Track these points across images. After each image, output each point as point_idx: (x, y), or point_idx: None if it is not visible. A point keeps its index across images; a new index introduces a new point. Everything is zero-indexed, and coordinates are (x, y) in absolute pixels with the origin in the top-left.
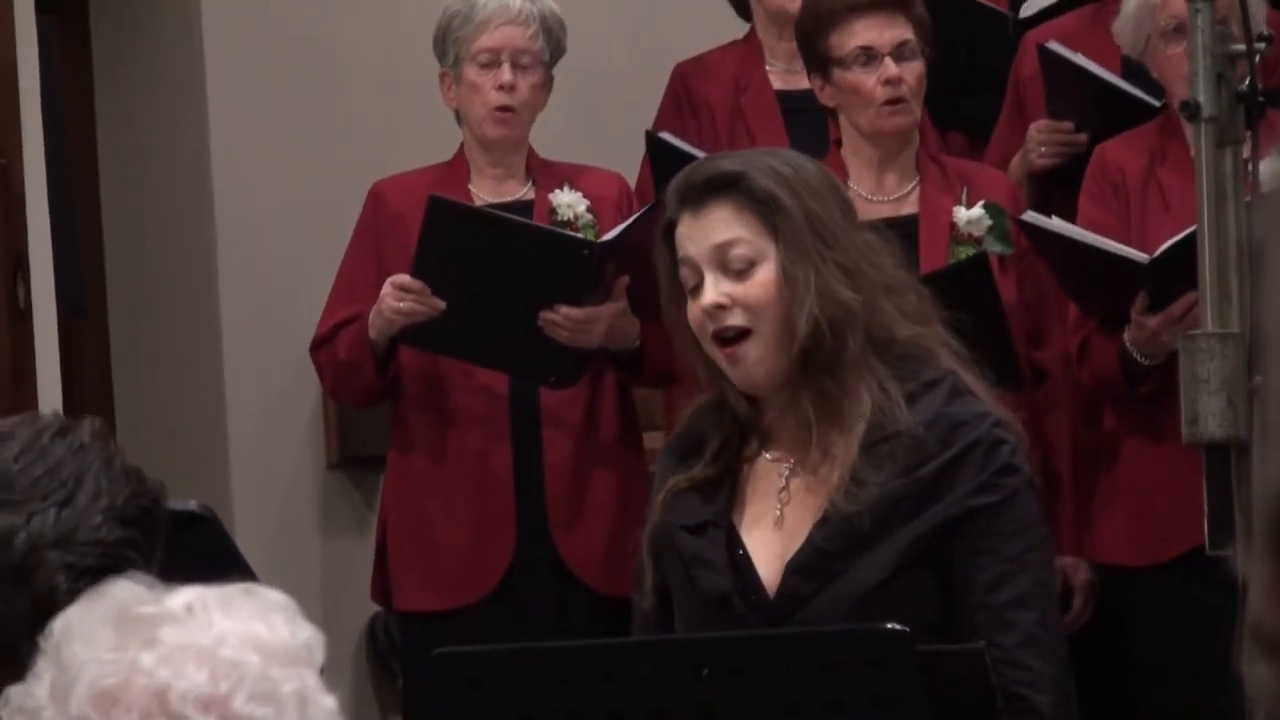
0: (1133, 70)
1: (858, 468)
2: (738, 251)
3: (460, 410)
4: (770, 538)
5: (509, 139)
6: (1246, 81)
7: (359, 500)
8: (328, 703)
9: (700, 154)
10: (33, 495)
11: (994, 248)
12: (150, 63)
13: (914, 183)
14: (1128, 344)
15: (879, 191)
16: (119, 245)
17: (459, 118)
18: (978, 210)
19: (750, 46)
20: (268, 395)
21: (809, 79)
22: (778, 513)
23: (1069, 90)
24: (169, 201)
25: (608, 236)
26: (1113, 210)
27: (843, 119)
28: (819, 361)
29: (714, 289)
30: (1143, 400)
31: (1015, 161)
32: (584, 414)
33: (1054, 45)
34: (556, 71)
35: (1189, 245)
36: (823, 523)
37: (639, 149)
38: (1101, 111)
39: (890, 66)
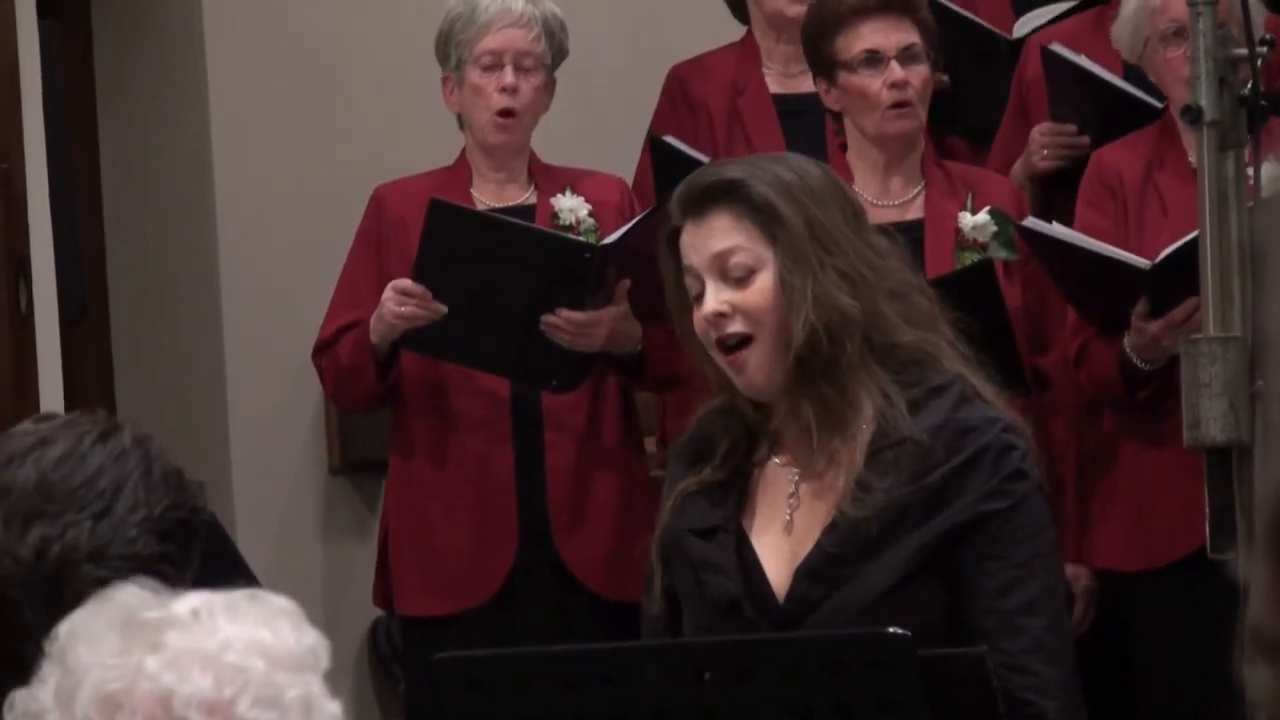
0: (1135, 73)
1: (863, 474)
2: (737, 259)
3: (462, 414)
4: (780, 542)
5: (511, 144)
6: (1248, 86)
7: (360, 505)
8: (332, 708)
9: (703, 157)
10: (70, 506)
11: (999, 253)
12: (152, 66)
13: (919, 188)
14: (1127, 349)
15: (884, 196)
16: (120, 249)
17: (461, 122)
18: (983, 216)
19: (747, 49)
20: (269, 400)
21: (814, 82)
22: (787, 517)
23: (1072, 93)
24: (170, 205)
25: (609, 239)
26: (1110, 216)
27: (848, 122)
28: (816, 368)
29: (714, 297)
30: (1141, 405)
31: (1018, 165)
32: (586, 418)
33: (1057, 47)
34: (558, 74)
35: (1190, 250)
36: (831, 528)
37: (640, 151)
38: (1104, 114)
39: (896, 70)
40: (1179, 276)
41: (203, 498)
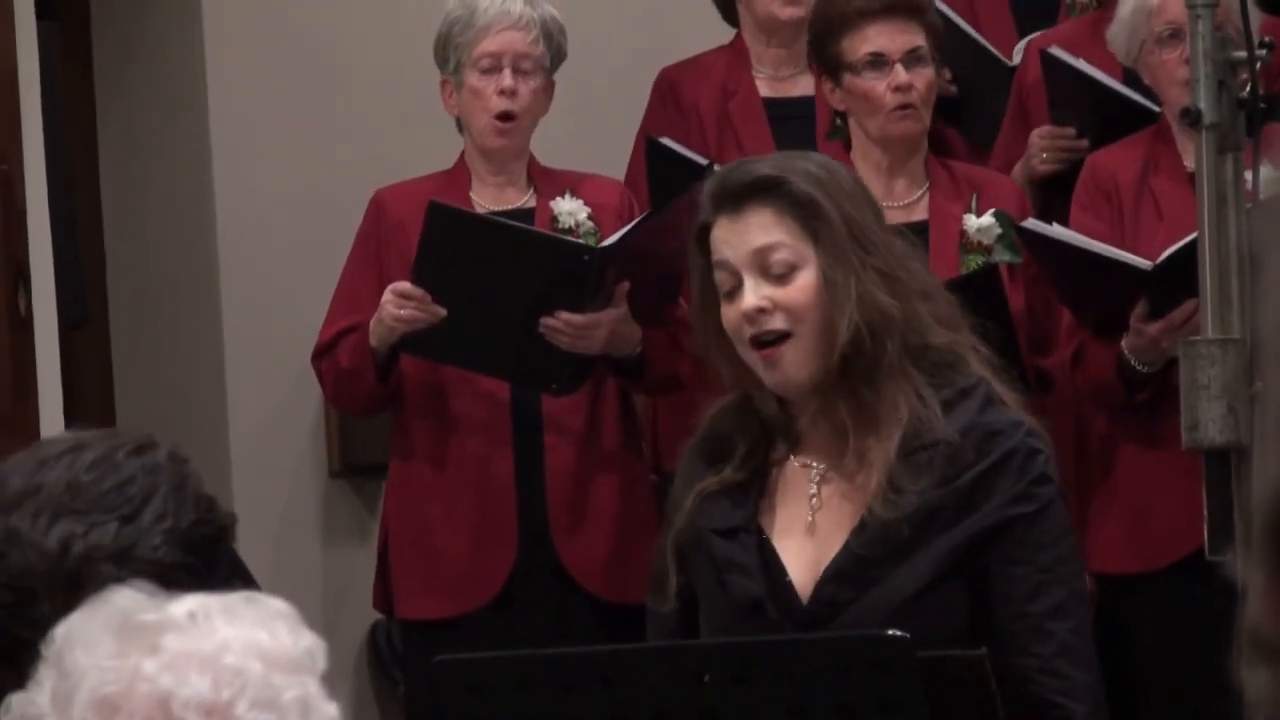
0: (1134, 76)
1: (896, 475)
2: (779, 256)
3: (462, 417)
4: (802, 544)
5: (510, 148)
6: (1247, 88)
7: (361, 508)
8: (330, 710)
9: (698, 158)
10: (97, 507)
11: (1003, 256)
12: (151, 70)
13: (923, 189)
14: (1126, 351)
15: (888, 197)
16: (120, 252)
17: (460, 125)
18: (987, 218)
19: (736, 52)
20: (269, 403)
21: (818, 82)
22: (809, 519)
23: (1071, 96)
24: (170, 209)
25: (608, 241)
26: (1105, 220)
27: (852, 123)
28: (858, 368)
29: (754, 292)
30: (1139, 407)
31: (1018, 168)
32: (585, 420)
33: (1056, 51)
34: (557, 77)
35: (1190, 252)
36: (860, 530)
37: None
38: (1103, 117)
39: (900, 73)
40: (1179, 278)
41: (233, 525)
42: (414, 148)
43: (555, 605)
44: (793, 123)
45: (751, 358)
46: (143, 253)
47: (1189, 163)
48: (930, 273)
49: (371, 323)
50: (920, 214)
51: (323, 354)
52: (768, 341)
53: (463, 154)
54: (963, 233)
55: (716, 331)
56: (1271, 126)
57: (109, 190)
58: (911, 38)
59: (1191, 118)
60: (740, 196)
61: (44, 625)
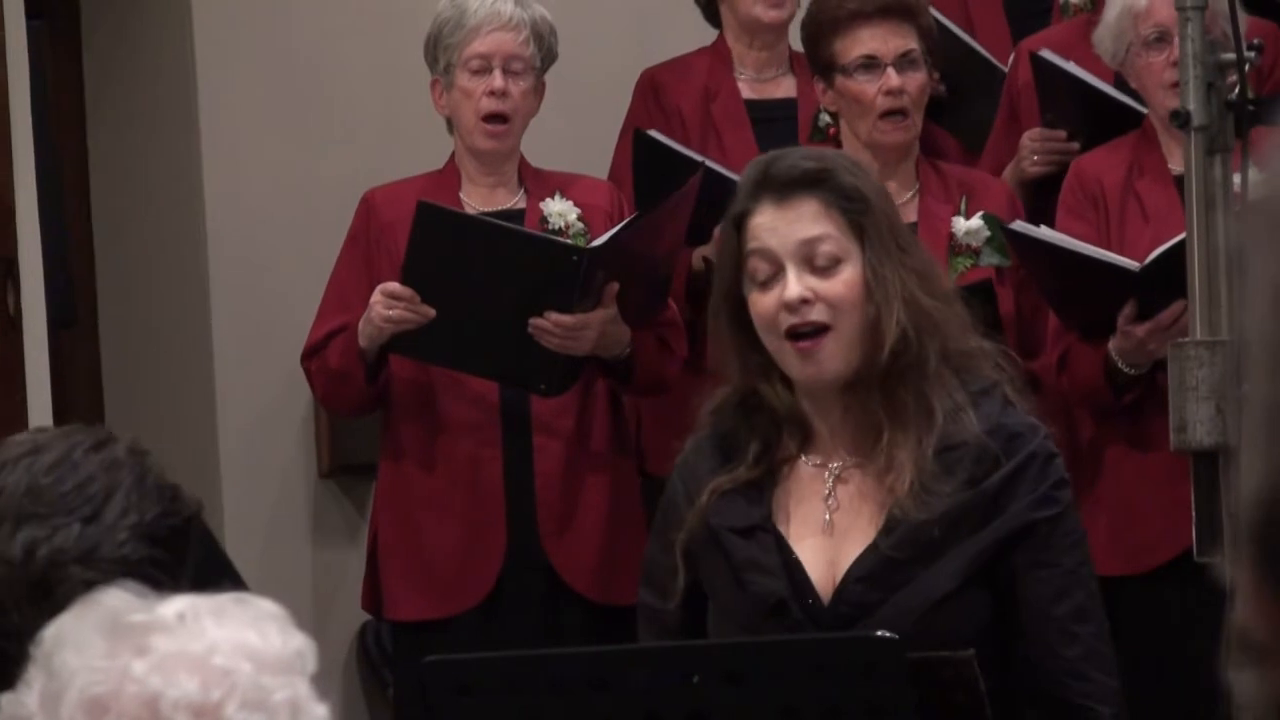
0: (1125, 79)
1: (928, 476)
2: (825, 248)
3: (451, 418)
4: (820, 544)
5: (501, 149)
6: (1236, 90)
7: (350, 509)
8: (319, 711)
9: (688, 151)
10: (59, 509)
11: (991, 259)
12: (141, 69)
13: (913, 190)
14: (1113, 353)
15: None
16: (110, 252)
17: (450, 125)
18: (976, 221)
19: (718, 53)
20: (259, 404)
21: (811, 81)
22: (826, 518)
23: (1062, 98)
24: (160, 209)
25: (597, 242)
26: (1090, 223)
27: (843, 124)
28: (900, 368)
29: (798, 283)
30: (1126, 409)
31: (1008, 170)
32: (575, 422)
33: (1047, 53)
34: (550, 78)
35: (1178, 253)
36: (889, 531)
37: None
38: (1093, 119)
39: (893, 77)
40: (1166, 279)
41: (200, 511)
42: (404, 152)
43: (544, 606)
44: (775, 124)
45: (784, 349)
46: (132, 252)
47: (1174, 165)
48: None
49: (360, 323)
50: (910, 216)
51: (312, 354)
52: (805, 334)
53: (453, 155)
54: (951, 235)
55: (733, 320)
56: (1260, 129)
57: (98, 189)
58: (904, 41)
59: (1181, 120)
60: (787, 186)
61: (16, 634)
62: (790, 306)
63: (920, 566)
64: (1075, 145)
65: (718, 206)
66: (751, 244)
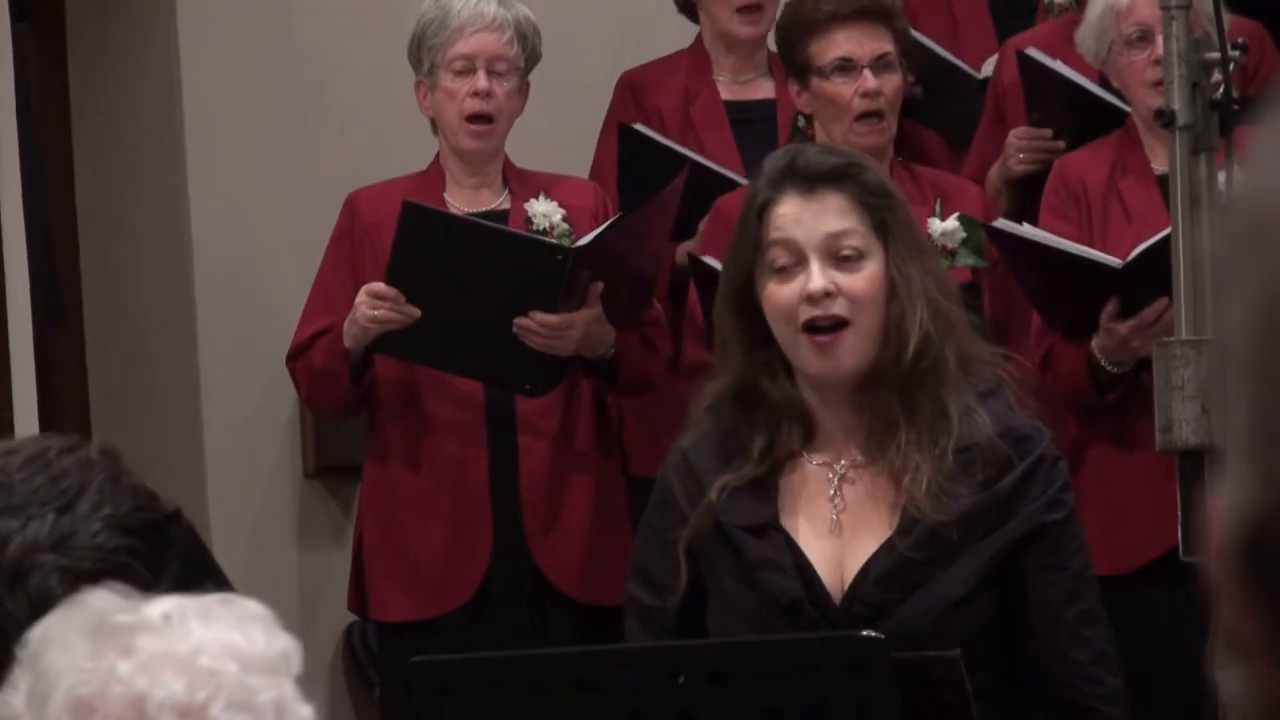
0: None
1: (946, 477)
2: (850, 242)
3: (436, 418)
4: (827, 544)
5: (485, 150)
6: (1220, 90)
7: (336, 509)
8: (305, 712)
9: (675, 145)
10: (32, 501)
11: (967, 260)
12: (126, 71)
13: None
14: (1096, 352)
15: None
16: (95, 253)
17: (435, 126)
18: (952, 222)
19: (697, 56)
20: (245, 404)
21: (786, 83)
22: (834, 518)
23: (1047, 97)
24: (145, 210)
25: (581, 242)
26: (1073, 222)
27: (818, 125)
28: (922, 368)
29: (822, 275)
30: (1109, 408)
31: (994, 168)
32: (560, 422)
33: (1033, 51)
34: (536, 78)
35: (1160, 250)
36: (905, 532)
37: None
38: (1080, 118)
39: (869, 79)
40: (1149, 277)
41: (179, 513)
42: (391, 150)
43: (530, 607)
44: (755, 125)
45: (799, 342)
46: (118, 254)
47: (1157, 165)
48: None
49: (345, 323)
50: None
51: (297, 355)
52: (824, 327)
53: (438, 155)
54: (927, 236)
55: (742, 311)
56: (1244, 128)
57: (84, 190)
58: (880, 44)
59: (1165, 119)
60: (814, 179)
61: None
62: (813, 298)
63: (937, 568)
64: (1061, 144)
65: (703, 201)
66: (774, 234)
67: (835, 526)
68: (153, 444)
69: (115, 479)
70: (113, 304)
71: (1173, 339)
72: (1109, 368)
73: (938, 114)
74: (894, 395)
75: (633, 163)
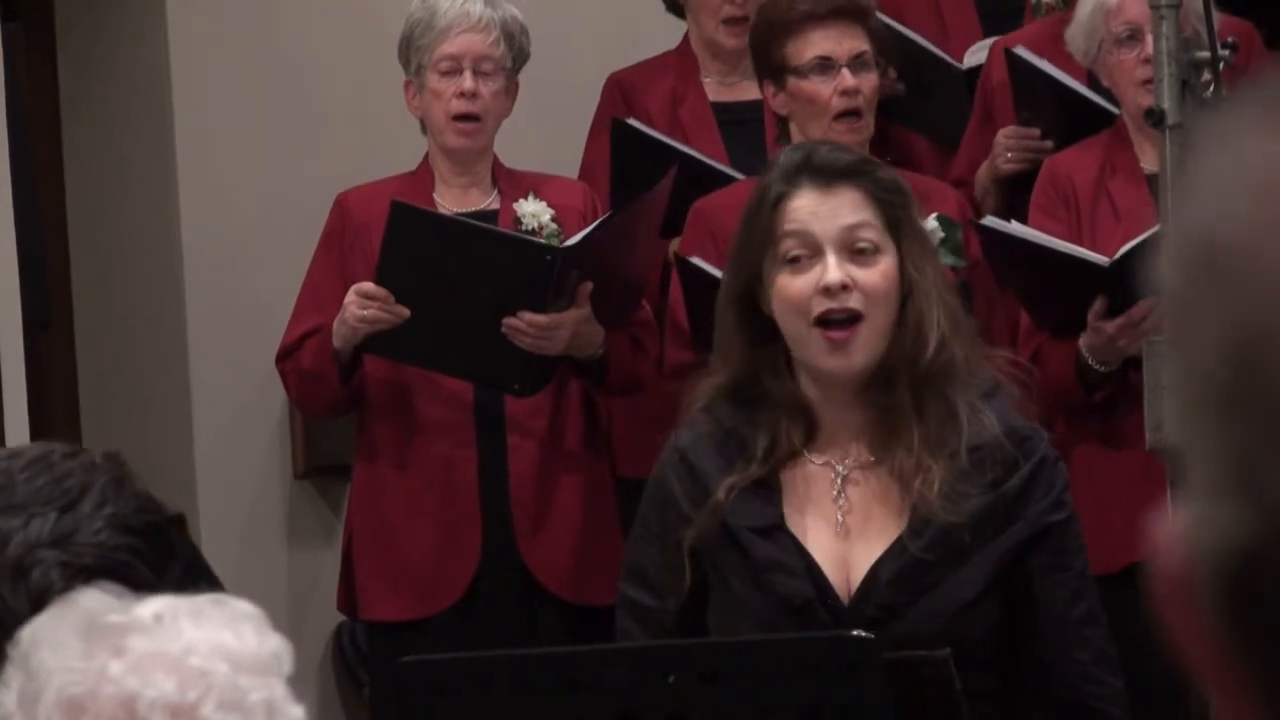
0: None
1: (957, 477)
2: (866, 235)
3: (425, 419)
4: (832, 545)
5: (472, 149)
6: (1211, 89)
7: (326, 509)
8: (295, 712)
9: (668, 140)
10: (34, 501)
11: (946, 259)
12: (116, 72)
13: None
14: (1083, 350)
15: None
16: (85, 255)
17: (424, 126)
18: (931, 222)
19: (684, 57)
20: (234, 405)
21: (760, 86)
22: (839, 520)
23: (1036, 96)
24: (135, 211)
25: (570, 241)
26: (1062, 222)
27: (794, 127)
28: (936, 368)
29: (838, 268)
30: (1096, 407)
31: (983, 168)
32: (549, 422)
33: (1021, 51)
34: (525, 79)
35: (1148, 248)
36: (916, 533)
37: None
38: (1068, 118)
39: (847, 77)
40: (1136, 275)
41: (182, 521)
42: (381, 150)
43: (519, 607)
44: (742, 127)
45: (811, 336)
46: (108, 255)
47: (1146, 164)
48: None
49: (334, 323)
50: None
51: (287, 356)
52: (837, 322)
53: (426, 156)
54: None
55: (747, 306)
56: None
57: (73, 191)
58: (857, 43)
59: (1155, 118)
60: (831, 174)
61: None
62: (829, 291)
63: (948, 569)
64: (1049, 144)
65: (694, 196)
66: (789, 225)
67: (840, 528)
68: (142, 444)
69: (119, 481)
70: (103, 306)
71: (1161, 338)
72: (1096, 366)
73: (923, 110)
74: (906, 395)
75: (625, 158)
